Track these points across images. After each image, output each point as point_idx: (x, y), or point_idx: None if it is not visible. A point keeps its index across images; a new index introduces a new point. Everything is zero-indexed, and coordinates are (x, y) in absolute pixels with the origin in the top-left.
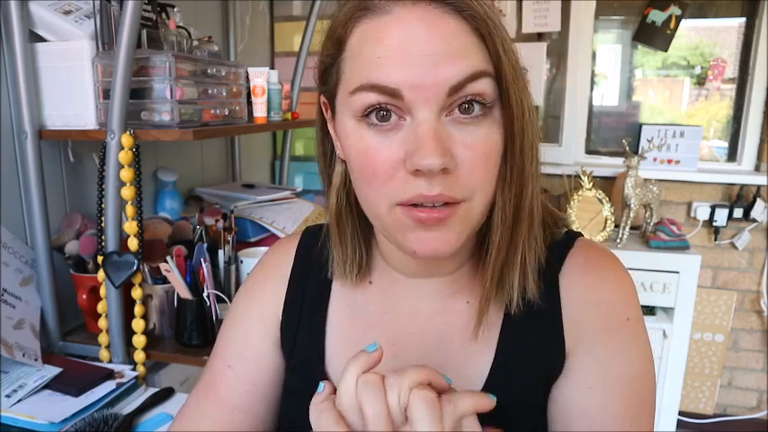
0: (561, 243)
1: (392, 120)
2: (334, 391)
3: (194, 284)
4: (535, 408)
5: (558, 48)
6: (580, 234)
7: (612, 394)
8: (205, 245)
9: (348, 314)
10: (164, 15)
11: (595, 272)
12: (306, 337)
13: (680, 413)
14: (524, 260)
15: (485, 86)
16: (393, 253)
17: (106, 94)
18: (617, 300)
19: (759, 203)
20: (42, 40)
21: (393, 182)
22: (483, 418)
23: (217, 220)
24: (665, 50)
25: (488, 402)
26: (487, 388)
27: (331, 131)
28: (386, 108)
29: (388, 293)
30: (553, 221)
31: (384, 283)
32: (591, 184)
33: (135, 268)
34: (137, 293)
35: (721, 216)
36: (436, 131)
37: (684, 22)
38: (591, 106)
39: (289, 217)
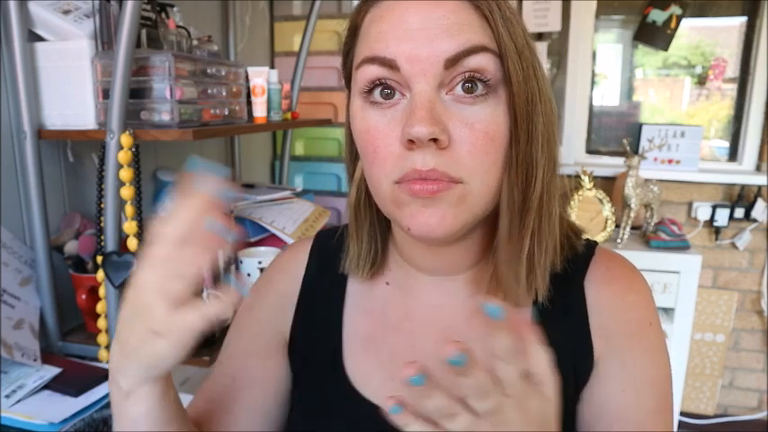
0: (583, 251)
1: (395, 97)
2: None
3: None
4: (563, 411)
5: (558, 48)
6: (596, 242)
7: (644, 396)
8: None
9: (366, 317)
10: (163, 15)
11: (620, 280)
12: (321, 339)
13: (681, 413)
14: (531, 256)
15: (485, 62)
16: (407, 245)
17: (105, 93)
18: (640, 306)
19: (760, 203)
20: (41, 39)
21: (392, 159)
22: None
23: None
24: (666, 50)
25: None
26: None
27: None
28: (388, 85)
29: (406, 294)
30: (573, 232)
31: (402, 283)
32: (591, 183)
33: (134, 268)
34: None
35: (722, 216)
36: (429, 102)
37: (685, 22)
38: (591, 106)
39: (289, 217)
